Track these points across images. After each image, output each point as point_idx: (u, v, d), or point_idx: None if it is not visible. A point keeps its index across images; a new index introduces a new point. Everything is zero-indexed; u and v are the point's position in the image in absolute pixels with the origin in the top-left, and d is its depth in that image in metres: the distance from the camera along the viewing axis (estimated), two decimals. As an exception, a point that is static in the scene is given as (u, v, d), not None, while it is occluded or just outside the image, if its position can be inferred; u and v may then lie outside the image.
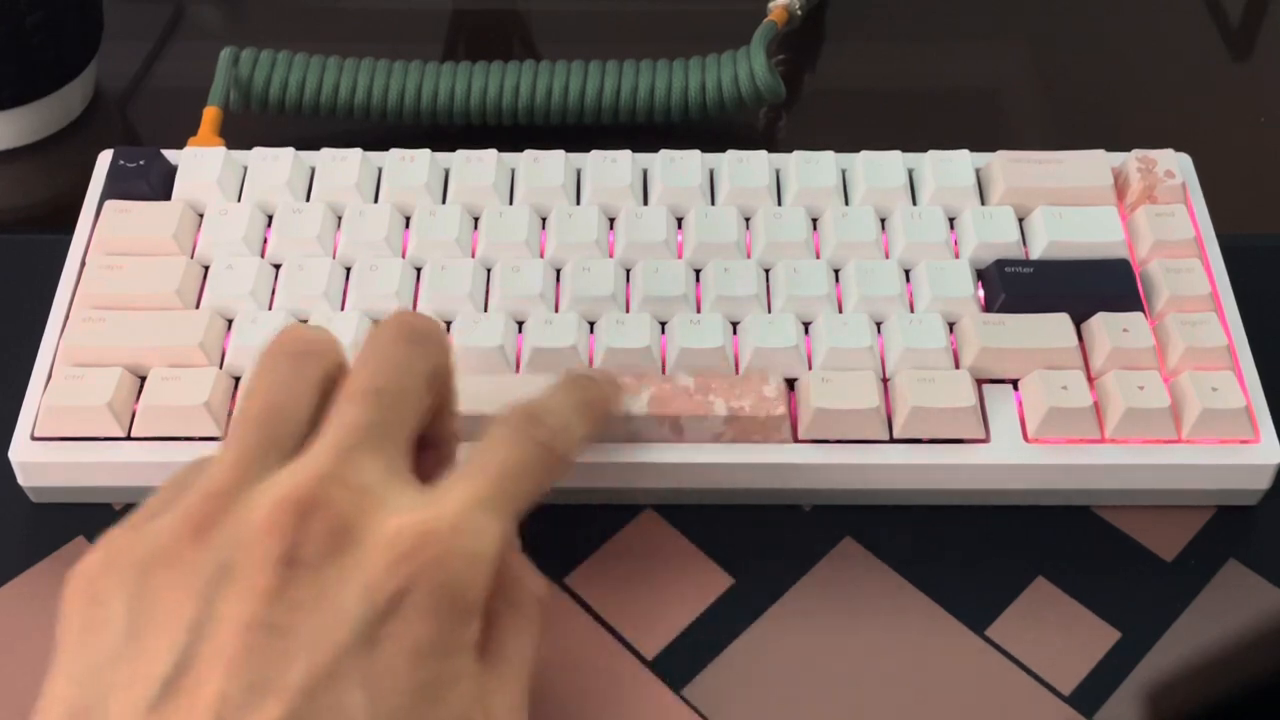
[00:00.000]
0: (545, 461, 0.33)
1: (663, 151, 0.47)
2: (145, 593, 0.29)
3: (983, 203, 0.46)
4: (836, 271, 0.44)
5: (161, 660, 0.27)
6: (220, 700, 0.27)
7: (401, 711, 0.28)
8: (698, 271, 0.44)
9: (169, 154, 0.47)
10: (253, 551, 0.28)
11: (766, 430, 0.40)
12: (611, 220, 0.45)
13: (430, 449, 0.34)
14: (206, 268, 0.44)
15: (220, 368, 0.41)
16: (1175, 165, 0.46)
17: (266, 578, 0.28)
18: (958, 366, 0.42)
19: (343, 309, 0.43)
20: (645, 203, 0.46)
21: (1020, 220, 0.45)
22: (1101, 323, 0.42)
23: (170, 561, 0.29)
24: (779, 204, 0.46)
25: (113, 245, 0.44)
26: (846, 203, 0.46)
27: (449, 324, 0.42)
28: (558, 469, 0.34)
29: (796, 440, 0.40)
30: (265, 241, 0.45)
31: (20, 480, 0.41)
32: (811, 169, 0.46)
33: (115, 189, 0.46)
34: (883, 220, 0.45)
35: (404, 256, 0.44)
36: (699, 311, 0.43)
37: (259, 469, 0.30)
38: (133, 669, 0.28)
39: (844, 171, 0.46)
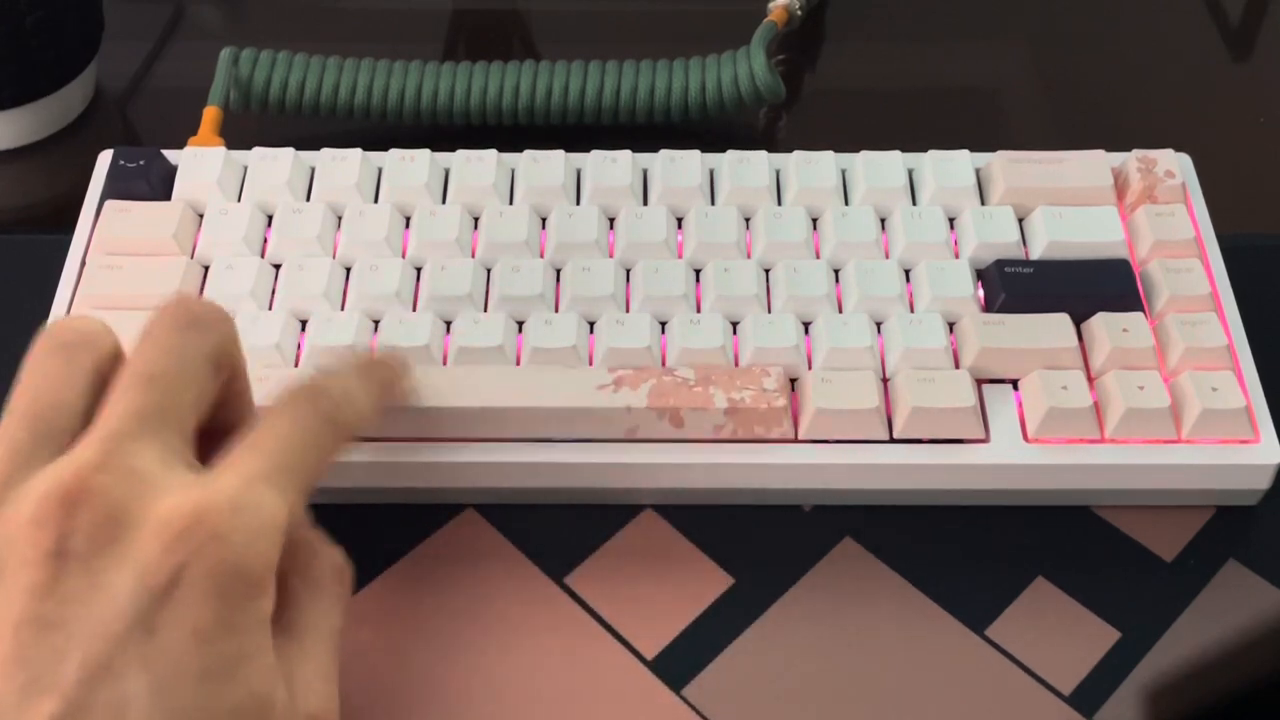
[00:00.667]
0: (328, 433, 0.33)
1: (663, 151, 0.47)
2: None
3: (983, 203, 0.46)
4: (836, 271, 0.44)
5: None
6: (2, 699, 0.26)
7: (189, 695, 0.27)
8: (698, 271, 0.44)
9: (169, 154, 0.47)
10: (20, 547, 0.28)
11: (767, 422, 0.40)
12: (611, 220, 0.45)
13: (228, 434, 0.33)
14: (206, 268, 0.44)
15: (220, 368, 0.41)
16: (1175, 165, 0.46)
17: (35, 573, 0.27)
18: (958, 366, 0.42)
19: (342, 309, 0.43)
20: (645, 203, 0.46)
21: (1020, 220, 0.45)
22: (1101, 323, 0.42)
23: None
24: (779, 204, 0.46)
25: (113, 245, 0.44)
26: (846, 203, 0.46)
27: (449, 324, 0.42)
28: (342, 440, 0.34)
29: (797, 440, 0.40)
30: (265, 241, 0.45)
31: (20, 480, 0.41)
32: (811, 169, 0.46)
33: (115, 189, 0.46)
34: (883, 220, 0.45)
35: (404, 256, 0.44)
36: (699, 311, 0.43)
37: (31, 463, 0.30)
38: None
39: (844, 171, 0.46)
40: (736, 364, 0.41)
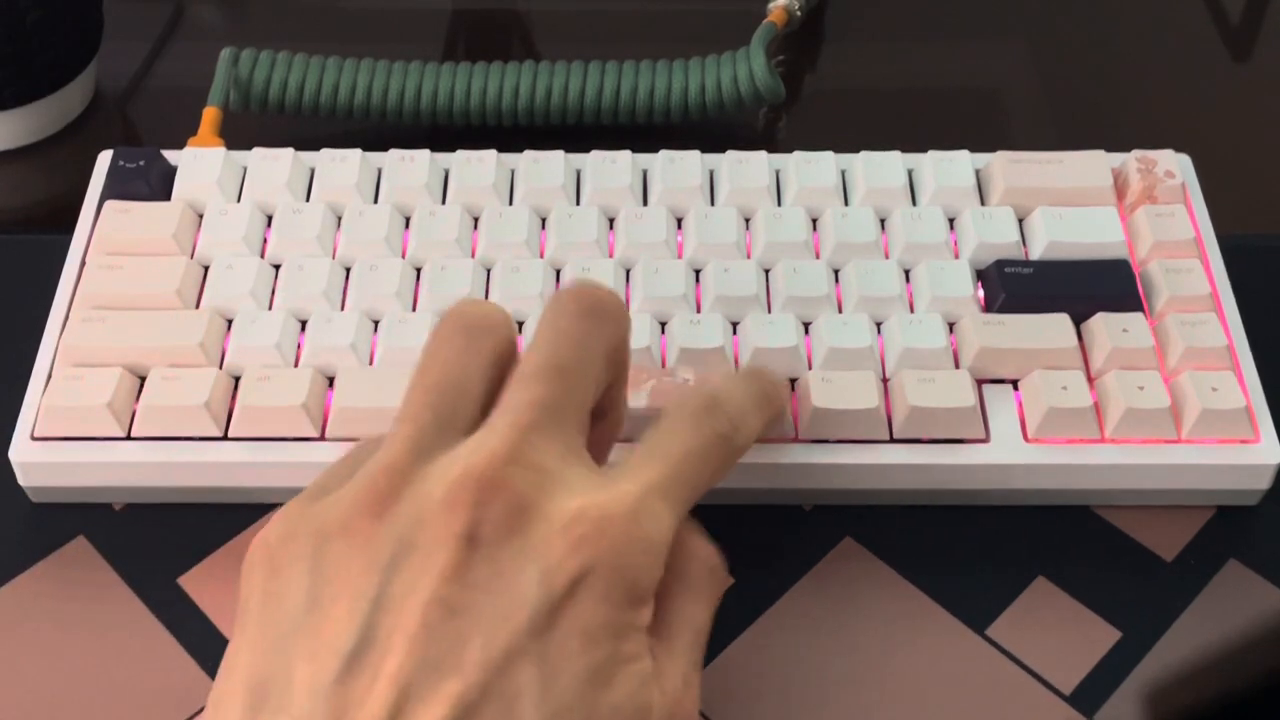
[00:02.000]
0: (722, 451, 0.33)
1: (663, 151, 0.47)
2: (325, 565, 0.29)
3: (983, 203, 0.46)
4: (836, 271, 0.44)
5: (344, 634, 0.28)
6: (402, 676, 0.27)
7: (573, 693, 0.28)
8: (698, 271, 0.44)
9: (169, 154, 0.47)
10: (433, 528, 0.29)
11: (766, 429, 0.40)
12: (611, 220, 0.45)
13: (599, 421, 0.34)
14: (206, 268, 0.44)
15: (220, 368, 0.41)
16: (1175, 165, 0.46)
17: (446, 555, 0.28)
18: (958, 366, 0.42)
19: (342, 309, 0.43)
20: (645, 203, 0.46)
21: (1020, 220, 0.45)
22: (1101, 323, 0.42)
23: (349, 535, 0.29)
24: (779, 204, 0.46)
25: (113, 245, 0.44)
26: (846, 203, 0.46)
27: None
28: (733, 459, 0.34)
29: (797, 440, 0.40)
30: (265, 241, 0.45)
31: (20, 480, 0.41)
32: (811, 169, 0.46)
33: (115, 189, 0.46)
34: (882, 220, 0.45)
35: (404, 256, 0.44)
36: (699, 311, 0.43)
37: (435, 445, 0.30)
38: (315, 641, 0.28)
39: (844, 172, 0.46)
40: (736, 364, 0.41)
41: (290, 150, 0.46)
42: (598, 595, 0.29)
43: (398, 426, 0.31)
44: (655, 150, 0.47)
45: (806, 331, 0.42)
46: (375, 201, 0.46)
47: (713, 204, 0.46)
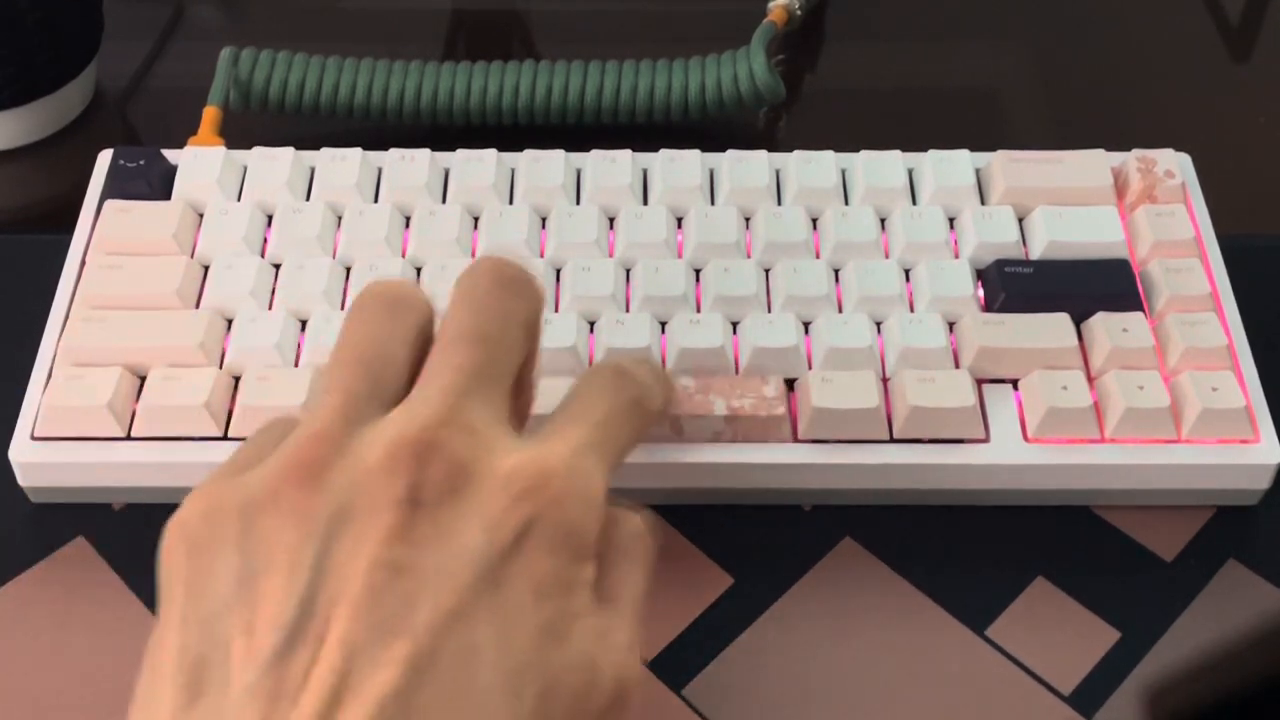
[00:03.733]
0: (637, 415, 0.34)
1: (663, 151, 0.47)
2: (254, 539, 0.28)
3: (983, 203, 0.46)
4: (836, 271, 0.44)
5: (282, 606, 0.27)
6: (348, 642, 0.27)
7: (529, 650, 0.28)
8: (698, 271, 0.44)
9: (169, 154, 0.47)
10: (371, 493, 0.28)
11: (766, 430, 0.40)
12: (611, 220, 0.45)
13: (514, 398, 0.34)
14: (206, 268, 0.44)
15: (220, 368, 0.41)
16: (1175, 165, 0.46)
17: (388, 518, 0.28)
18: (958, 366, 0.42)
19: (342, 309, 0.43)
20: (645, 203, 0.46)
21: (1020, 220, 0.45)
22: (1101, 323, 0.42)
23: (280, 506, 0.29)
24: (779, 204, 0.46)
25: (113, 245, 0.44)
26: (846, 203, 0.46)
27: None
28: (645, 427, 0.34)
29: (796, 440, 0.40)
30: (265, 241, 0.45)
31: (20, 480, 0.41)
32: (811, 169, 0.46)
33: (115, 189, 0.46)
34: (882, 220, 0.45)
35: (404, 256, 0.44)
36: (699, 311, 0.43)
37: (364, 414, 0.30)
38: (250, 616, 0.27)
39: (844, 171, 0.46)
40: (736, 364, 0.41)
41: (290, 150, 0.46)
42: (544, 548, 0.29)
43: (325, 397, 0.31)
44: (655, 150, 0.47)
45: (806, 331, 0.42)
46: (375, 201, 0.46)
47: (713, 204, 0.46)
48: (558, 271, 0.44)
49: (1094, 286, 0.43)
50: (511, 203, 0.46)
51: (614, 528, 0.32)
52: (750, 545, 0.41)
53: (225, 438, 0.40)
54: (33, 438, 0.40)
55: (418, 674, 0.26)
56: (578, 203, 0.46)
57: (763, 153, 0.47)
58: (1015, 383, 0.42)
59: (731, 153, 0.47)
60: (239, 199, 0.46)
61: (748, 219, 0.45)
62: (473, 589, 0.28)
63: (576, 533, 0.29)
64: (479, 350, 0.31)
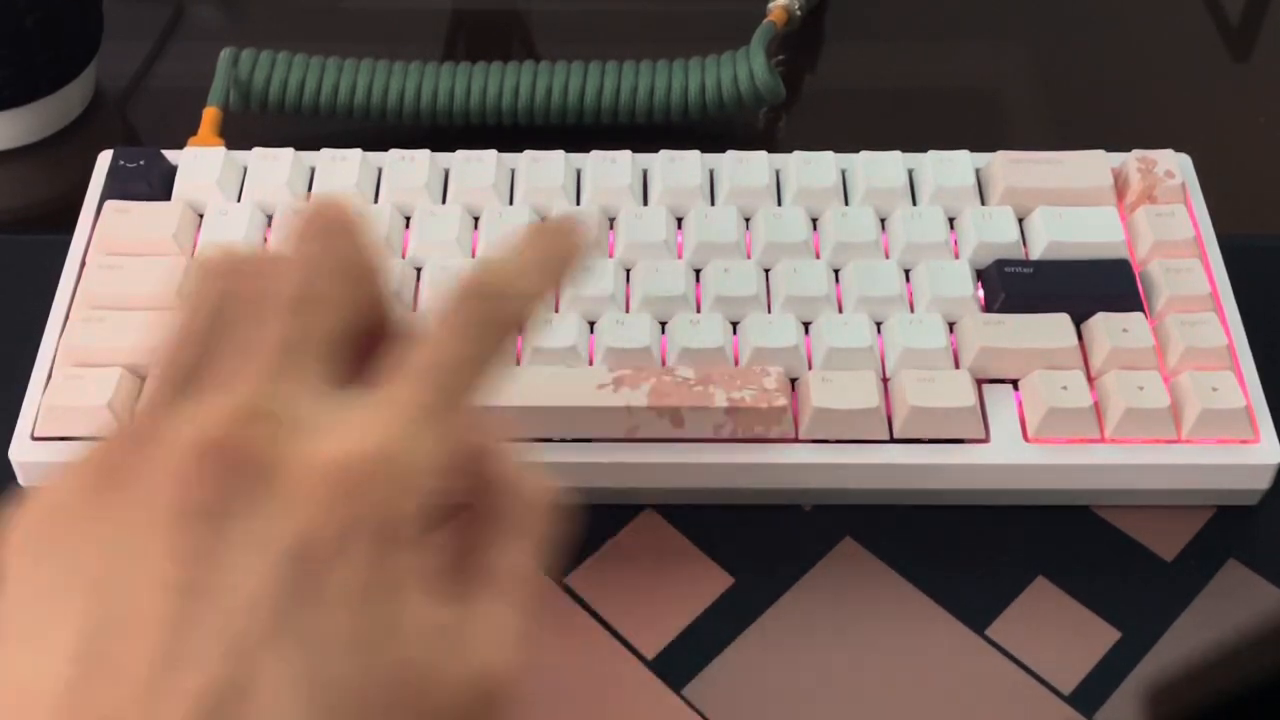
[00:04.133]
0: (498, 338, 0.29)
1: (663, 151, 0.47)
2: (53, 555, 0.26)
3: (983, 203, 0.46)
4: (836, 271, 0.44)
5: (73, 631, 0.25)
6: (141, 671, 0.24)
7: (341, 665, 0.25)
8: (698, 271, 0.44)
9: (169, 154, 0.47)
10: (161, 505, 0.25)
11: (768, 422, 0.40)
12: (612, 220, 0.45)
13: (383, 340, 0.30)
14: (206, 268, 0.44)
15: (220, 368, 0.41)
16: (1175, 165, 0.46)
17: (171, 535, 0.25)
18: (958, 366, 0.42)
19: (343, 309, 0.43)
20: (645, 203, 0.46)
21: (1020, 220, 0.45)
22: (1101, 323, 0.42)
23: (78, 518, 0.26)
24: (779, 204, 0.46)
25: (113, 245, 0.44)
26: (846, 203, 0.46)
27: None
28: (510, 334, 0.30)
29: (797, 440, 0.40)
30: (265, 241, 0.45)
31: (20, 480, 0.41)
32: (811, 169, 0.46)
33: (115, 189, 0.46)
34: (883, 220, 0.45)
35: (404, 256, 0.44)
36: (699, 311, 0.43)
37: (174, 401, 0.27)
38: (45, 641, 0.25)
39: (844, 171, 0.46)
40: (736, 364, 0.41)
41: (290, 150, 0.46)
42: (358, 553, 0.26)
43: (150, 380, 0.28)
44: (655, 150, 0.47)
45: (806, 331, 0.42)
46: (375, 201, 0.46)
47: (713, 204, 0.46)
48: (558, 271, 0.44)
49: (1094, 287, 0.43)
50: (511, 203, 0.46)
51: (498, 496, 0.29)
52: (750, 545, 0.41)
53: (225, 438, 0.40)
54: (33, 438, 0.40)
55: (211, 708, 0.24)
56: (578, 203, 0.46)
57: (763, 153, 0.47)
58: (1015, 383, 0.42)
59: (731, 153, 0.47)
60: (239, 199, 0.46)
61: (748, 219, 0.45)
62: (274, 607, 0.25)
63: (397, 527, 0.26)
64: (285, 320, 0.28)
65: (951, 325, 0.43)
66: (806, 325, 0.42)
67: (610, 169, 0.46)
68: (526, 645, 0.28)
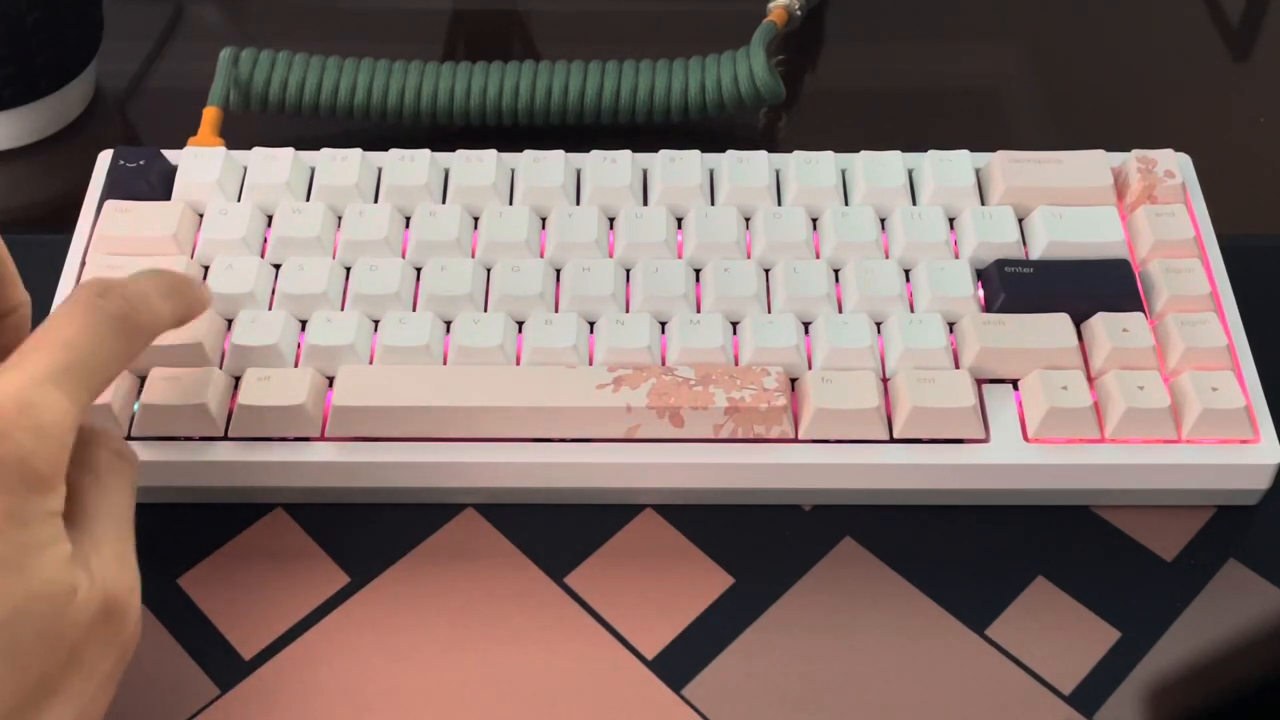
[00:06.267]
0: (120, 331, 0.34)
1: (663, 151, 0.47)
2: None
3: (983, 203, 0.46)
4: (836, 271, 0.44)
5: None
6: None
7: None
8: (698, 271, 0.44)
9: (169, 154, 0.47)
10: None
11: (768, 421, 0.40)
12: (611, 220, 0.45)
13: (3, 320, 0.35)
14: (206, 268, 0.44)
15: (220, 368, 0.41)
16: (1175, 165, 0.46)
17: None
18: (958, 366, 0.42)
19: (342, 309, 0.43)
20: (645, 203, 0.46)
21: (1020, 220, 0.45)
22: (1101, 323, 0.42)
23: None
24: (779, 204, 0.46)
25: (113, 245, 0.44)
26: (846, 203, 0.46)
27: (449, 324, 0.42)
28: (137, 340, 0.34)
29: (797, 440, 0.40)
30: (265, 241, 0.45)
31: (20, 480, 0.41)
32: (811, 169, 0.46)
33: (115, 189, 0.46)
34: (883, 220, 0.45)
35: (404, 256, 0.44)
36: (699, 311, 0.43)
37: None
38: None
39: (844, 171, 0.46)
40: (736, 364, 0.42)
41: (290, 150, 0.46)
42: None
43: None
44: (655, 150, 0.47)
45: (806, 331, 0.42)
46: (375, 201, 0.46)
47: (713, 204, 0.46)
48: (558, 272, 0.44)
49: (1094, 287, 0.43)
50: (511, 203, 0.46)
51: (93, 456, 0.33)
52: (750, 545, 0.41)
53: (225, 437, 0.40)
54: (33, 438, 0.40)
55: None
56: (578, 203, 0.46)
57: (763, 153, 0.47)
58: (1015, 383, 0.42)
59: (731, 153, 0.47)
60: (239, 199, 0.46)
61: (748, 219, 0.45)
62: None
63: (31, 467, 0.30)
64: None
65: (951, 325, 0.43)
66: (806, 325, 0.42)
67: (610, 169, 0.46)
68: (135, 568, 0.33)
